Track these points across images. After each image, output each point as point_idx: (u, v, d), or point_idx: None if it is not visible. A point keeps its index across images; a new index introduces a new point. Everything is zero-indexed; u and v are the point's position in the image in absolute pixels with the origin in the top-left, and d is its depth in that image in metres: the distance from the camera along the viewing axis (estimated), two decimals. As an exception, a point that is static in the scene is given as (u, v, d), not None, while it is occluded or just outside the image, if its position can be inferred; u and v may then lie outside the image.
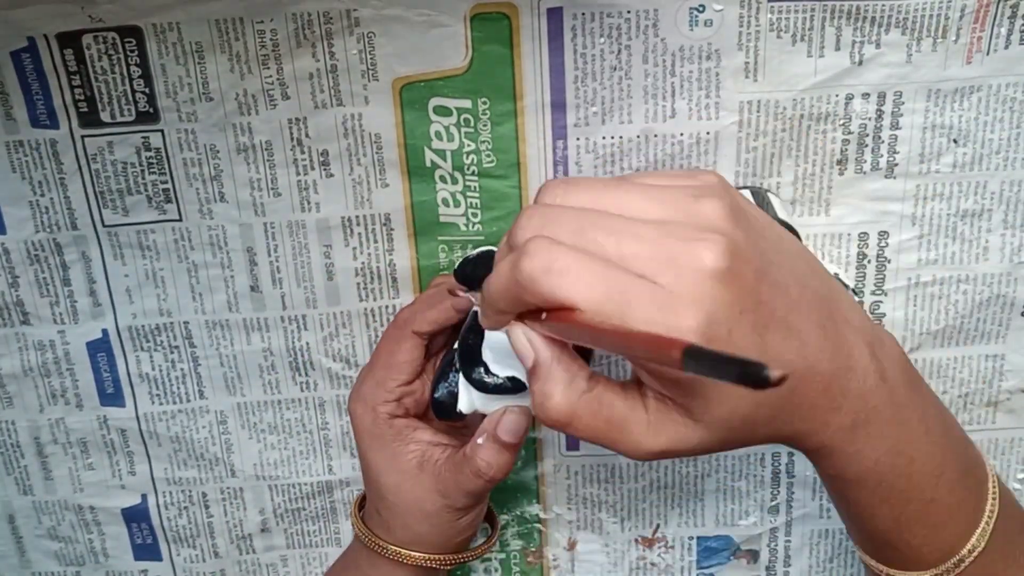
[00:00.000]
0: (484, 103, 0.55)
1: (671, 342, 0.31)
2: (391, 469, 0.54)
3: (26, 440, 0.64)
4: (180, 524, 0.66)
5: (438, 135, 0.56)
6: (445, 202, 0.58)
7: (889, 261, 0.59)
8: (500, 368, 0.50)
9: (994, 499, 0.45)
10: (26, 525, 0.66)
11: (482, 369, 0.50)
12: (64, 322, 0.60)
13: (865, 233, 0.58)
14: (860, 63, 0.54)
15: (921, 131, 0.55)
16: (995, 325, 0.60)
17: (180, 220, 0.58)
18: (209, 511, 0.66)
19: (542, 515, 0.66)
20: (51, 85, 0.54)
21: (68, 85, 0.54)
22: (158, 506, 0.66)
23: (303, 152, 0.56)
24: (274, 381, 0.62)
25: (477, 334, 0.51)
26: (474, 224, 0.58)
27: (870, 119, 0.55)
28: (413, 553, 0.55)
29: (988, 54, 0.53)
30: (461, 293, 0.53)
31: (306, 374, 0.62)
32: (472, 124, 0.55)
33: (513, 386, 0.50)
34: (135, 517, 0.66)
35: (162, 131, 0.56)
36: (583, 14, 0.53)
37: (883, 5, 0.52)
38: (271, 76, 0.54)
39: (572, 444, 0.64)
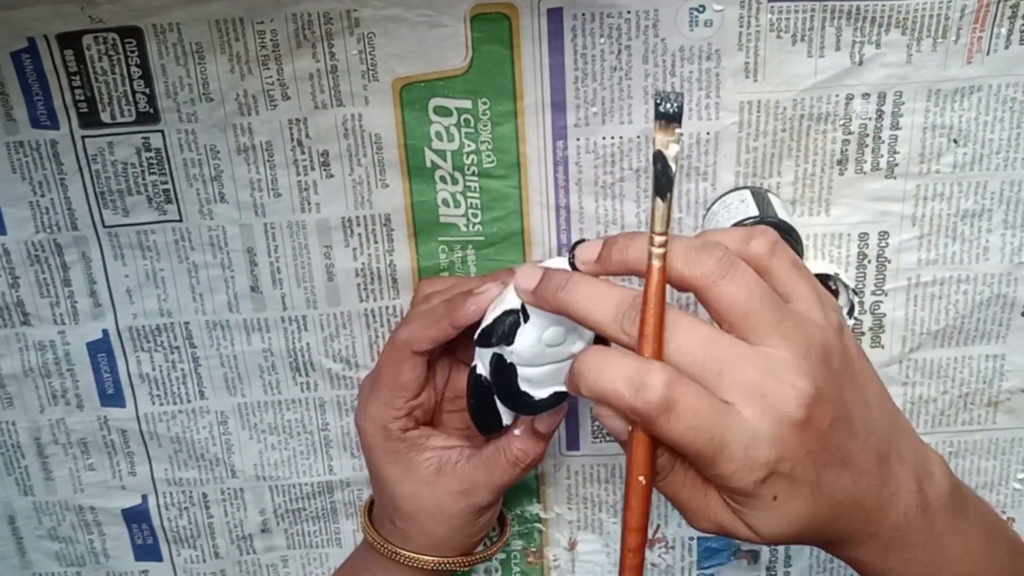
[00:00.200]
0: (484, 103, 0.55)
1: None
2: (407, 479, 0.55)
3: (26, 441, 0.64)
4: (180, 524, 0.66)
5: (438, 135, 0.56)
6: (445, 202, 0.58)
7: (889, 261, 0.59)
8: (539, 391, 0.50)
9: None
10: (27, 526, 0.66)
11: (528, 398, 0.50)
12: (64, 322, 0.60)
13: (865, 233, 0.58)
14: (860, 63, 0.54)
15: (921, 131, 0.55)
16: (995, 325, 0.60)
17: (180, 220, 0.58)
18: (209, 511, 0.66)
19: (542, 515, 0.66)
20: (51, 85, 0.54)
21: (68, 85, 0.54)
22: (158, 506, 0.66)
23: (303, 152, 0.56)
24: (274, 381, 0.62)
25: (507, 373, 0.50)
26: (474, 224, 0.58)
27: (870, 119, 0.55)
28: (428, 558, 0.55)
29: (988, 54, 0.53)
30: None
31: (306, 375, 0.62)
32: (472, 124, 0.55)
33: (561, 398, 0.51)
34: (135, 518, 0.66)
35: (162, 131, 0.56)
36: (583, 14, 0.53)
37: (883, 5, 0.52)
38: (271, 76, 0.54)
39: (572, 444, 0.64)
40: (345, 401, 0.63)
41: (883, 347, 0.61)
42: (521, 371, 0.49)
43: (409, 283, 0.60)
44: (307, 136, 0.56)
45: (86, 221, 0.58)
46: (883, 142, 0.56)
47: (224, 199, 0.57)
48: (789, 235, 0.53)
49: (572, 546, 0.67)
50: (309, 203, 0.58)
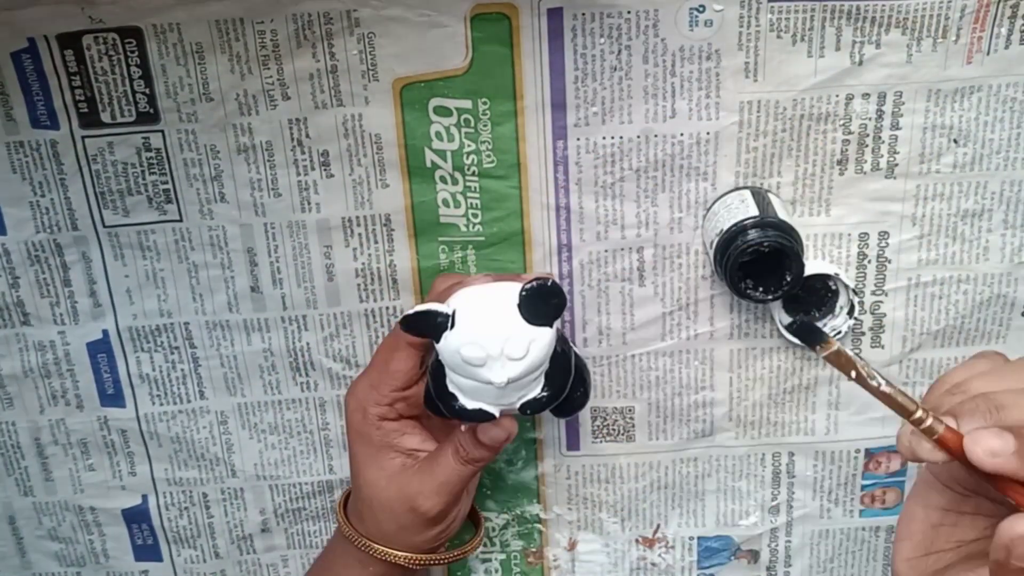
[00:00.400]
0: (484, 103, 0.55)
1: None
2: (372, 465, 0.55)
3: (26, 441, 0.64)
4: (181, 524, 0.66)
5: (438, 135, 0.56)
6: (445, 203, 0.58)
7: (889, 261, 0.59)
8: (468, 402, 0.50)
9: None
10: (27, 526, 0.66)
11: (456, 402, 0.51)
12: (64, 323, 0.60)
13: (865, 233, 0.58)
14: (860, 63, 0.54)
15: (921, 131, 0.55)
16: (995, 325, 0.60)
17: (180, 220, 0.58)
18: (210, 511, 0.66)
19: (542, 515, 0.66)
20: (51, 86, 0.54)
21: (68, 86, 0.54)
22: (159, 507, 0.66)
23: (303, 152, 0.56)
24: (274, 381, 0.62)
25: (440, 371, 0.50)
26: (474, 224, 0.58)
27: (870, 119, 0.55)
28: (383, 548, 0.55)
29: (988, 54, 0.53)
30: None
31: (306, 374, 0.62)
32: (472, 124, 0.55)
33: (490, 414, 0.51)
34: (136, 518, 0.66)
35: (162, 131, 0.56)
36: (583, 14, 0.53)
37: (883, 5, 0.52)
38: (271, 76, 0.54)
39: (572, 444, 0.64)
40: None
41: (883, 347, 0.61)
42: (449, 373, 0.50)
43: (409, 283, 0.60)
44: (307, 136, 0.56)
45: (86, 221, 0.58)
46: (883, 142, 0.56)
47: (224, 199, 0.57)
48: (789, 235, 0.53)
49: (572, 546, 0.67)
50: (309, 203, 0.58)
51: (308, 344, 0.61)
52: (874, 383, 0.42)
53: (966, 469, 0.40)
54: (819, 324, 0.59)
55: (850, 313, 0.58)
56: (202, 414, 0.63)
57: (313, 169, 0.57)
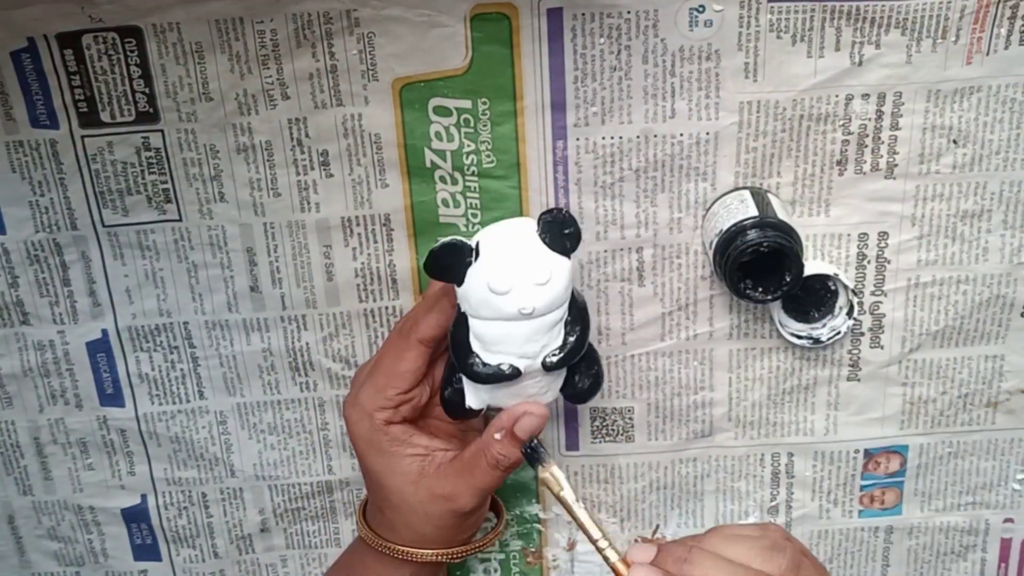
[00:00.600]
0: (484, 103, 0.55)
1: None
2: (392, 473, 0.54)
3: (26, 440, 0.64)
4: (180, 524, 0.66)
5: (438, 135, 0.56)
6: (445, 202, 0.58)
7: (889, 261, 0.59)
8: (490, 356, 0.51)
9: None
10: (26, 525, 0.66)
11: (476, 359, 0.51)
12: (64, 322, 0.60)
13: (865, 233, 0.58)
14: (860, 63, 0.54)
15: (921, 132, 0.55)
16: (995, 325, 0.60)
17: (180, 220, 0.58)
18: (209, 511, 0.66)
19: (542, 515, 0.66)
20: (51, 85, 0.54)
21: (68, 85, 0.54)
22: (158, 506, 0.66)
23: (303, 152, 0.56)
24: (274, 381, 0.62)
25: (462, 326, 0.51)
26: (474, 224, 0.58)
27: (870, 119, 0.55)
28: (422, 551, 0.55)
29: (988, 55, 0.53)
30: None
31: (306, 374, 0.62)
32: (472, 124, 0.55)
33: (510, 372, 0.51)
34: (135, 517, 0.66)
35: (162, 131, 0.56)
36: (583, 14, 0.53)
37: (883, 5, 0.52)
38: (271, 76, 0.54)
39: (572, 444, 0.64)
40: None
41: (882, 347, 0.61)
42: (472, 324, 0.50)
43: (409, 283, 0.60)
44: (307, 136, 0.56)
45: (86, 221, 0.58)
46: (883, 142, 0.56)
47: (224, 199, 0.57)
48: (789, 236, 0.53)
49: (571, 546, 0.67)
50: (309, 203, 0.58)
51: (307, 344, 0.61)
52: (575, 508, 0.51)
53: None
54: (819, 324, 0.59)
55: (849, 313, 0.58)
56: (201, 414, 0.63)
57: (313, 169, 0.57)
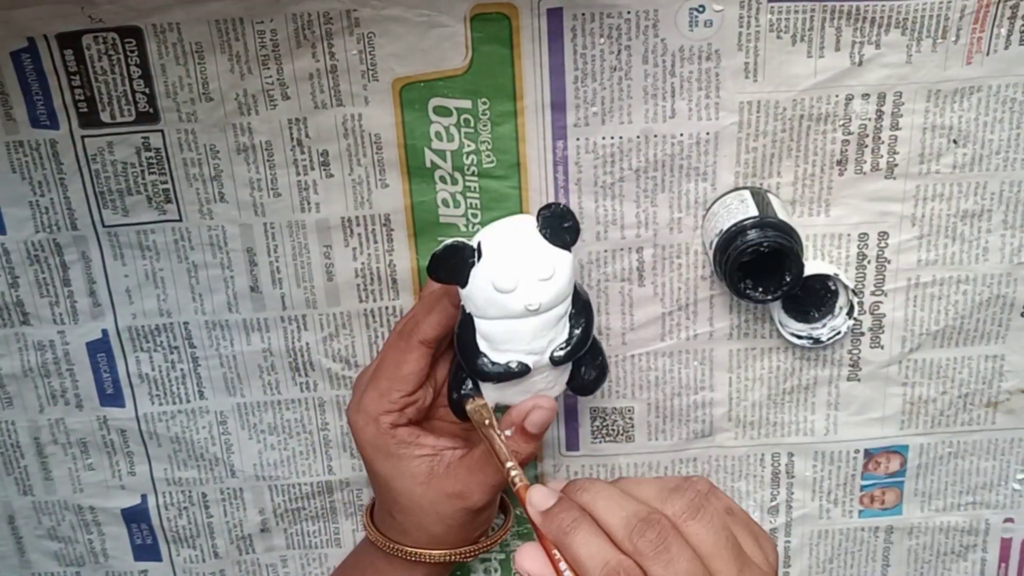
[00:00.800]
0: (484, 103, 0.55)
1: None
2: (401, 475, 0.54)
3: (26, 440, 0.64)
4: (180, 524, 0.66)
5: (438, 135, 0.56)
6: (445, 203, 0.58)
7: (889, 261, 0.59)
8: (498, 355, 0.51)
9: None
10: (26, 525, 0.66)
11: (485, 359, 0.51)
12: (64, 322, 0.60)
13: (865, 233, 0.58)
14: (860, 63, 0.54)
15: (921, 131, 0.55)
16: (995, 325, 0.60)
17: (180, 220, 0.58)
18: (209, 511, 0.66)
19: (542, 515, 0.66)
20: (51, 85, 0.54)
21: (68, 85, 0.54)
22: (158, 506, 0.66)
23: (303, 152, 0.56)
24: (274, 381, 0.62)
25: (468, 327, 0.51)
26: (474, 225, 0.58)
27: (870, 119, 0.55)
28: (434, 552, 0.56)
29: (988, 55, 0.53)
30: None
31: (306, 374, 0.62)
32: (472, 124, 0.55)
33: (519, 369, 0.51)
34: (135, 517, 0.66)
35: (162, 131, 0.56)
36: (583, 14, 0.53)
37: (883, 5, 0.52)
38: (271, 76, 0.54)
39: (572, 444, 0.64)
40: (344, 401, 0.63)
41: (882, 347, 0.61)
42: (478, 324, 0.50)
43: (409, 283, 0.60)
44: (307, 136, 0.56)
45: (86, 221, 0.58)
46: (883, 142, 0.56)
47: (224, 199, 0.57)
48: (789, 236, 0.53)
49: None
50: (309, 203, 0.58)
51: (307, 344, 0.61)
52: (495, 437, 0.51)
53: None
54: (819, 324, 0.59)
55: (849, 313, 0.58)
56: (201, 414, 0.63)
57: (313, 169, 0.57)
